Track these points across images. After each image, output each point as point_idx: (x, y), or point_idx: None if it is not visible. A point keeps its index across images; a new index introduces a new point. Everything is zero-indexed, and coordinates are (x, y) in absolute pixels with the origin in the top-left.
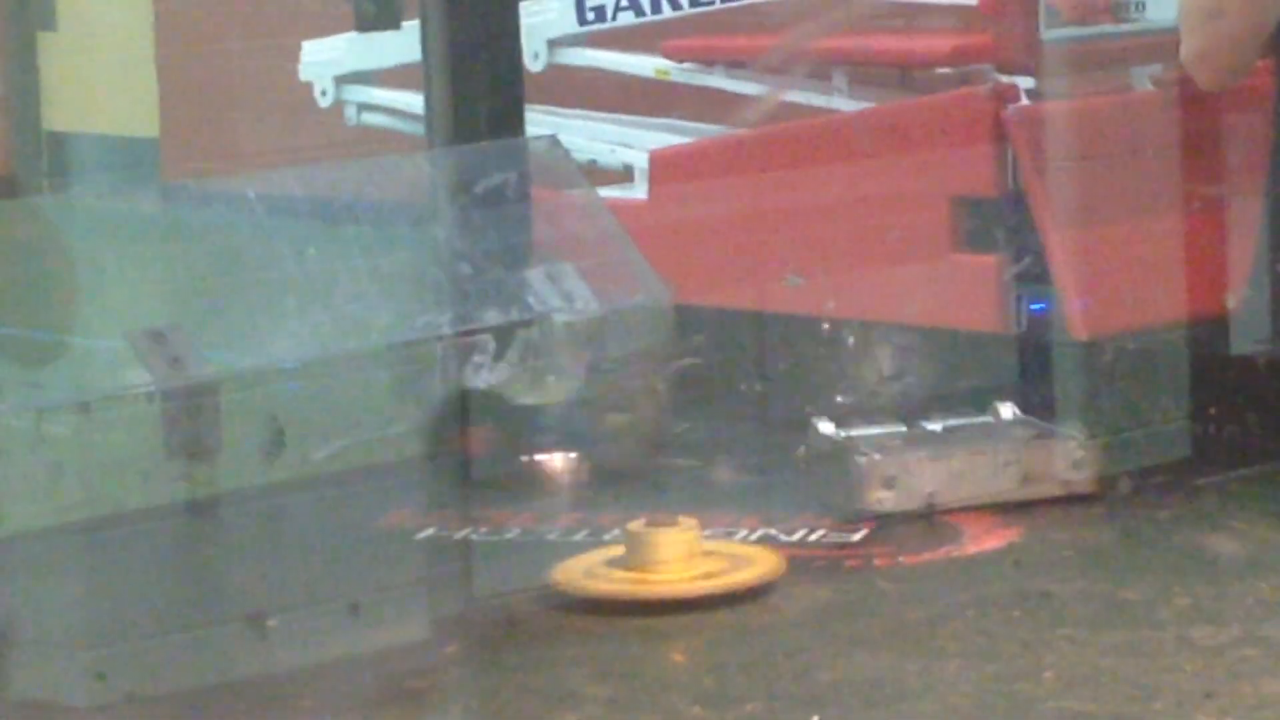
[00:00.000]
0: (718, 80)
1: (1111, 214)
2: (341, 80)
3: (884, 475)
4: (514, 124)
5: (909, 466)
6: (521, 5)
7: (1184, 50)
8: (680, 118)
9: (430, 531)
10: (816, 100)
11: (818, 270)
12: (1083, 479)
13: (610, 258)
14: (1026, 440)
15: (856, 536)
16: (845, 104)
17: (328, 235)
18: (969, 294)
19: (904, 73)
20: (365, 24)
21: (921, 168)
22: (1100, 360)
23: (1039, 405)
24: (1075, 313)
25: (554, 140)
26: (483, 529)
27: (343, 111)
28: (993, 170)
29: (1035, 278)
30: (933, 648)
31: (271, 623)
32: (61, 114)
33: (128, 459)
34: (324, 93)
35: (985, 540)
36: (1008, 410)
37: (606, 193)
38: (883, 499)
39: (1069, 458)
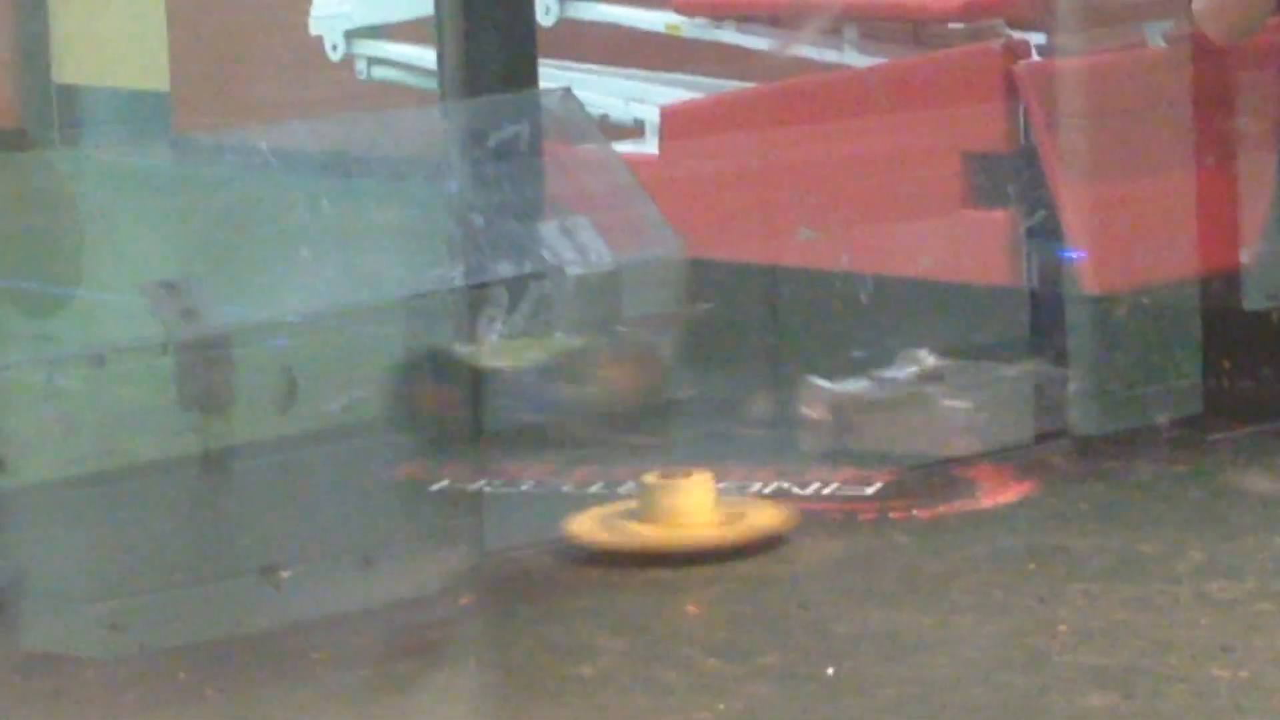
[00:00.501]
0: (728, 35)
1: (1123, 169)
2: (352, 35)
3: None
4: (527, 77)
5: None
6: None
7: (1196, 5)
8: (691, 72)
9: (444, 484)
10: (827, 55)
11: (829, 225)
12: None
13: (624, 211)
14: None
15: (870, 490)
16: (856, 59)
17: (340, 188)
18: (981, 249)
19: (915, 28)
20: None
21: (933, 123)
22: (1113, 315)
23: (1051, 359)
24: (1086, 267)
25: (567, 93)
26: (497, 481)
27: (353, 65)
28: (1004, 126)
29: (1047, 232)
30: (948, 601)
31: (285, 575)
32: (72, 67)
33: (141, 411)
34: (334, 47)
35: (1000, 494)
36: (928, 357)
37: (618, 148)
38: None
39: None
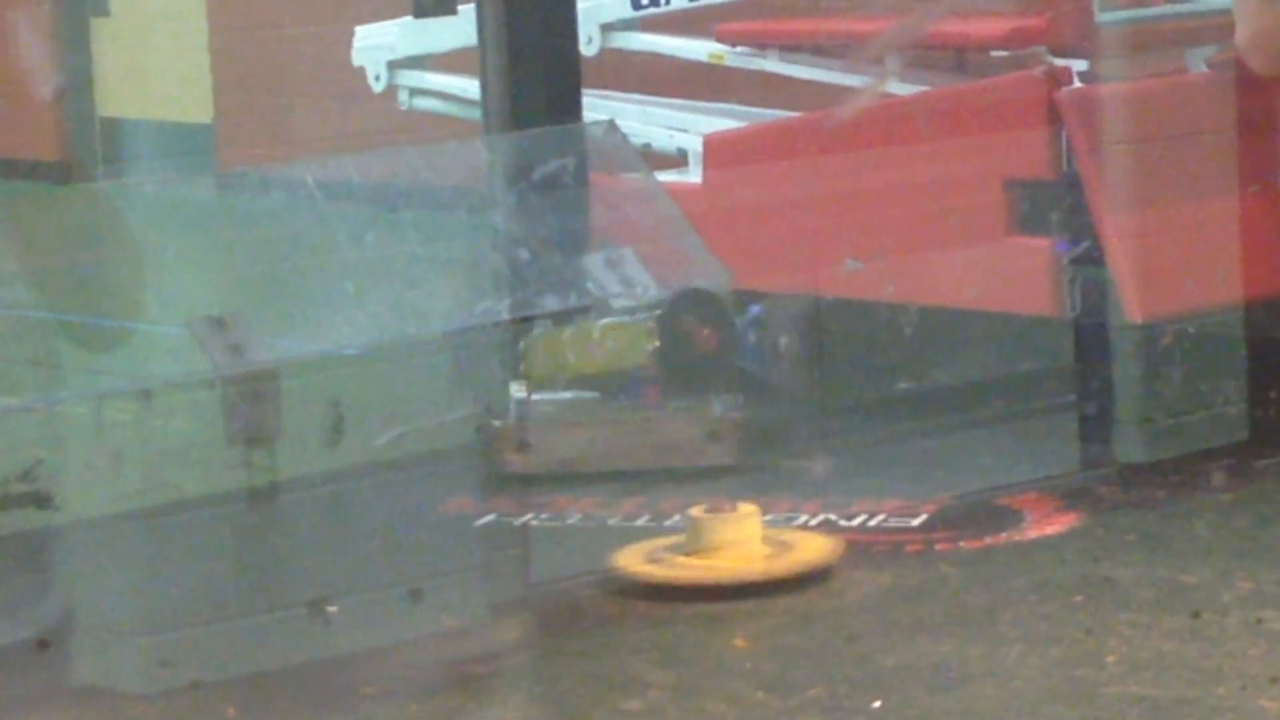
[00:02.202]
0: (772, 64)
1: (1166, 197)
2: (394, 65)
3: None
4: (571, 109)
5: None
6: None
7: (1239, 35)
8: (735, 102)
9: (491, 518)
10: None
11: (872, 254)
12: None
13: (669, 242)
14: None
15: (916, 521)
16: (899, 88)
17: (386, 221)
18: (1024, 277)
19: (959, 56)
20: (423, 10)
21: (976, 151)
22: (1158, 343)
23: (1096, 389)
24: (1131, 295)
25: (612, 125)
26: (544, 515)
27: (396, 96)
28: (1047, 153)
29: (1091, 261)
30: (995, 632)
31: (333, 609)
32: (115, 100)
33: (188, 446)
34: (377, 78)
35: (1046, 525)
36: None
37: (661, 177)
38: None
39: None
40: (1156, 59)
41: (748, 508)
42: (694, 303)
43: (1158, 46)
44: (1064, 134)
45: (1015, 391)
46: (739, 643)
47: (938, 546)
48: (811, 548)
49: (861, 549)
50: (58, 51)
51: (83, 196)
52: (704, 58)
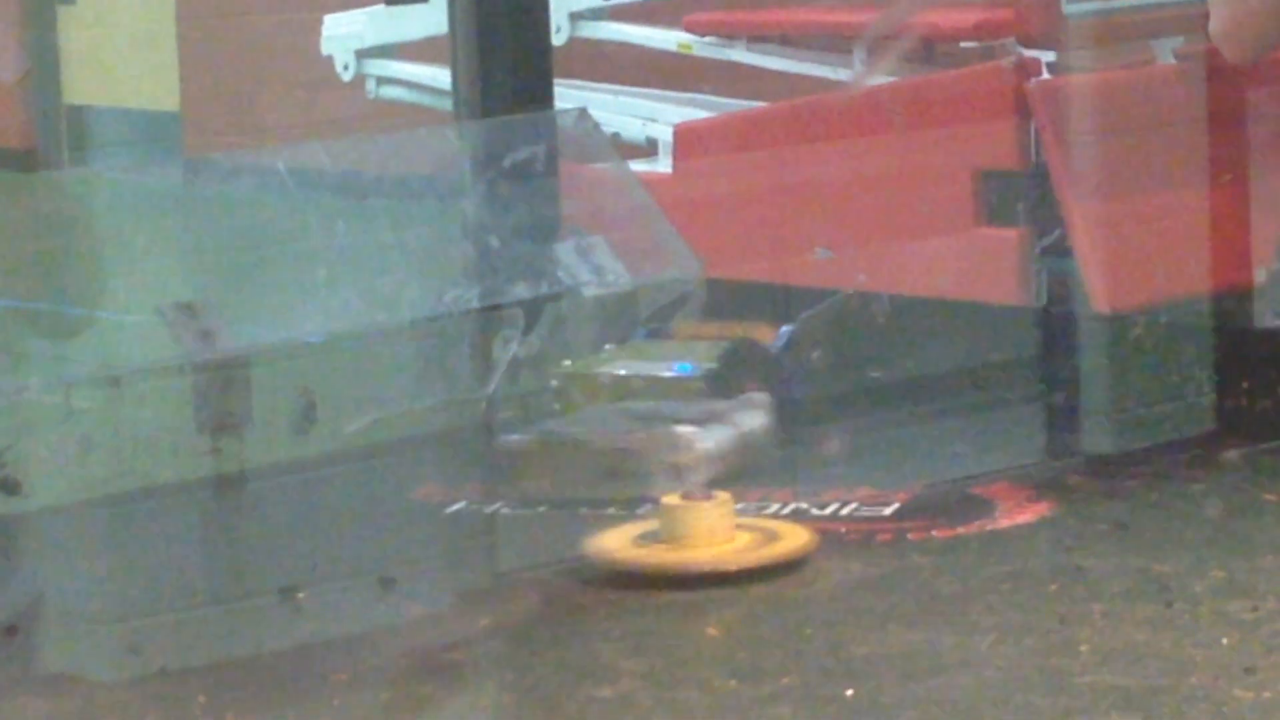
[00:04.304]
0: (739, 54)
1: (1135, 188)
2: (363, 54)
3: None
4: (542, 97)
5: None
6: None
7: (1212, 24)
8: (705, 91)
9: (460, 505)
10: (839, 74)
11: (841, 243)
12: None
13: (641, 231)
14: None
15: (888, 510)
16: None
17: (355, 209)
18: (992, 267)
19: (927, 46)
20: None
21: (945, 142)
22: (1129, 333)
23: (1066, 379)
24: (1097, 286)
25: (583, 113)
26: (513, 502)
27: (364, 85)
28: (1016, 144)
29: (1059, 250)
30: (967, 622)
31: (303, 596)
32: (82, 87)
33: (157, 433)
34: (345, 67)
35: (1018, 514)
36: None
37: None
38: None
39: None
40: (1125, 50)
41: (721, 496)
42: (745, 359)
43: (1126, 38)
44: (1033, 125)
45: (987, 381)
46: (711, 631)
47: (910, 535)
48: (784, 536)
49: (834, 538)
50: (23, 38)
51: (49, 184)
52: (673, 47)
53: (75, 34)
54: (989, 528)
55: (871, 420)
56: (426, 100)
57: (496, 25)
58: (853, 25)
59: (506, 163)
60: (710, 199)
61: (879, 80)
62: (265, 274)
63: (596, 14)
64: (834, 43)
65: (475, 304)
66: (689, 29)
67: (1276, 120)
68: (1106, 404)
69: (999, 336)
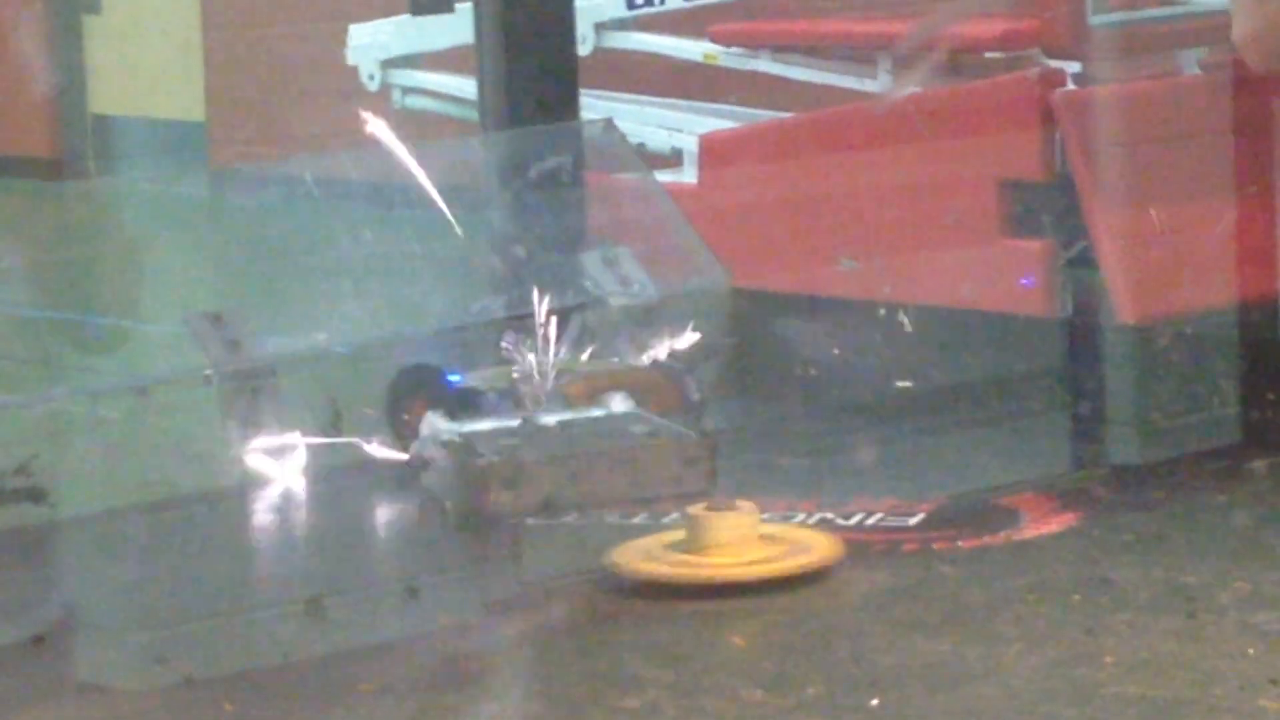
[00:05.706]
0: (764, 65)
1: (1160, 198)
2: (388, 64)
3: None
4: (568, 107)
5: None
6: None
7: (1236, 32)
8: (730, 102)
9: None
10: (866, 85)
11: (866, 254)
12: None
13: (667, 241)
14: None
15: (913, 520)
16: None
17: (382, 219)
18: (1017, 277)
19: (953, 57)
20: (420, 7)
21: (970, 152)
22: (1155, 344)
23: (1093, 390)
24: (1122, 297)
25: (609, 123)
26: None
27: (389, 95)
28: (1041, 154)
29: (1084, 262)
30: (992, 632)
31: (329, 605)
32: (107, 97)
33: (184, 442)
34: (371, 77)
35: (1044, 525)
36: (620, 403)
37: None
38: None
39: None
40: (1149, 61)
41: (746, 506)
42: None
43: (1150, 48)
44: (1058, 135)
45: (1013, 392)
46: (737, 641)
47: (935, 545)
48: (810, 546)
49: (859, 548)
50: (50, 48)
51: (75, 194)
52: (698, 58)
53: (101, 44)
54: (1015, 538)
55: (897, 430)
56: (453, 110)
57: (522, 35)
58: (877, 36)
59: (532, 173)
60: (736, 209)
61: (910, 92)
62: (291, 284)
63: (622, 24)
64: (858, 53)
65: (501, 314)
66: (714, 40)
67: None
68: (1132, 415)
69: (1024, 347)
